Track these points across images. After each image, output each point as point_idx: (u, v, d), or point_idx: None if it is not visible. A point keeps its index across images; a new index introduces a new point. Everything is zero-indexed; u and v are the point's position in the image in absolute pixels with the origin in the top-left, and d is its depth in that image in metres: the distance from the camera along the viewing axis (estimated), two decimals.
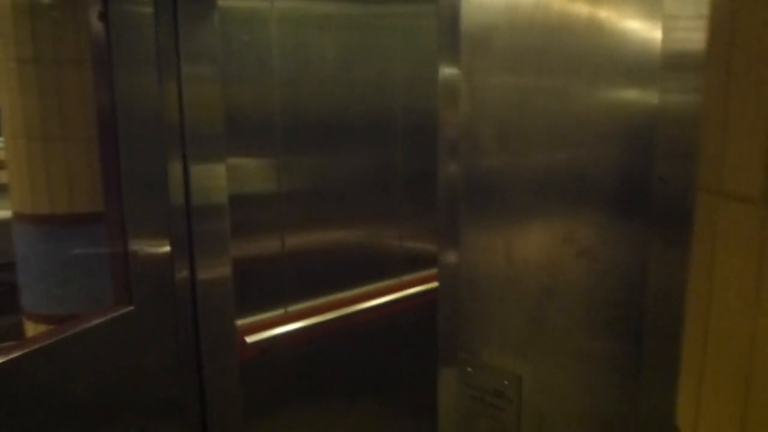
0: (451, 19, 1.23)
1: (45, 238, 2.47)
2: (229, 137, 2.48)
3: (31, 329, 2.60)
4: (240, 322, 2.58)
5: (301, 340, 2.89)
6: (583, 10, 1.04)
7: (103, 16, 1.94)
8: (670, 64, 0.97)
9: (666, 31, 0.97)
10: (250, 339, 2.63)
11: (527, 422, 1.23)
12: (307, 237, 3.02)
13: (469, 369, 1.32)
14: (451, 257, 1.32)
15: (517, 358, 1.23)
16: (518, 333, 1.22)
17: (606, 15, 1.02)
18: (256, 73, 2.67)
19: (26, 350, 1.57)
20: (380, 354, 3.31)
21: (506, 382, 1.24)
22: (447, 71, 1.27)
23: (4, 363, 1.46)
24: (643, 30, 0.99)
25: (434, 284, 3.42)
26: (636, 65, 1.01)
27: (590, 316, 1.11)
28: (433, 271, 3.52)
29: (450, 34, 1.25)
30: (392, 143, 3.23)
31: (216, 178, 2.39)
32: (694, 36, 0.93)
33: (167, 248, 2.19)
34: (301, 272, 2.99)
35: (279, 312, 2.86)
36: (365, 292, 3.24)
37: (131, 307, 1.92)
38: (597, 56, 1.05)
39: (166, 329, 2.17)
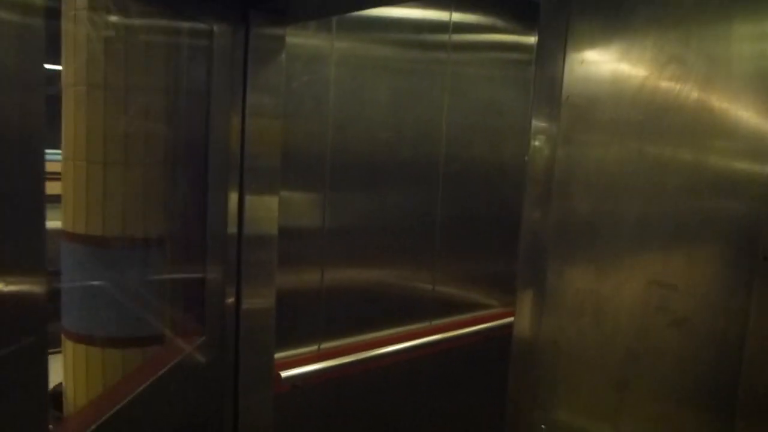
0: (550, 83, 1.28)
1: (93, 259, 2.50)
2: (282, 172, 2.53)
3: (68, 347, 2.61)
4: (276, 356, 2.60)
5: (331, 377, 2.89)
6: (692, 92, 1.09)
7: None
8: None
9: None
10: (284, 374, 2.65)
11: None
12: (344, 274, 3.05)
13: (543, 426, 1.33)
14: (529, 311, 1.35)
15: (598, 423, 1.24)
16: (602, 396, 1.24)
17: (717, 97, 1.07)
18: (312, 111, 2.73)
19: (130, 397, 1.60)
20: (406, 396, 3.31)
21: None
22: (540, 134, 1.31)
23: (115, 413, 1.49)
24: (757, 115, 1.03)
25: (463, 330, 3.43)
26: (745, 143, 1.05)
27: (680, 383, 1.13)
28: (463, 317, 3.54)
29: (547, 98, 1.30)
30: (433, 188, 3.28)
31: (269, 209, 2.44)
32: None
33: (225, 277, 2.22)
34: (337, 310, 3.01)
35: (312, 348, 2.88)
36: (395, 333, 3.26)
37: (203, 338, 1.94)
38: (704, 134, 1.10)
39: (226, 359, 2.19)
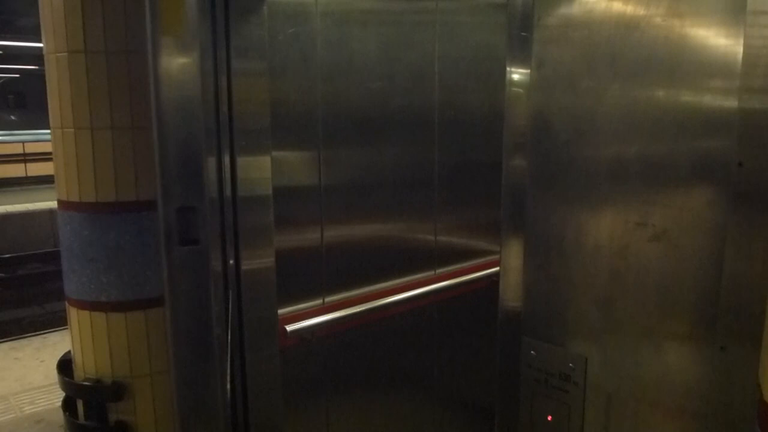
0: (523, 10, 1.25)
1: (89, 225, 2.51)
2: (272, 130, 2.50)
3: (73, 315, 2.64)
4: (280, 311, 2.61)
5: (338, 330, 2.91)
6: (659, 7, 1.06)
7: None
8: (752, 60, 0.98)
9: (749, 29, 0.98)
10: (290, 328, 2.66)
11: (592, 404, 1.25)
12: (345, 230, 3.04)
13: (533, 352, 1.33)
14: (515, 244, 1.33)
15: (584, 341, 1.24)
16: (586, 315, 1.23)
17: (685, 12, 1.03)
18: (299, 66, 2.69)
19: None
20: (415, 344, 3.32)
21: (572, 365, 1.26)
22: (517, 61, 1.28)
23: None
24: (724, 29, 1.00)
25: (468, 277, 3.43)
26: (716, 61, 1.02)
27: (662, 299, 1.12)
28: (467, 264, 3.54)
29: (521, 26, 1.27)
30: (429, 137, 3.24)
31: (261, 170, 2.42)
32: None
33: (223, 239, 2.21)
34: (339, 264, 3.01)
35: (317, 302, 2.89)
36: (400, 284, 3.26)
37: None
38: (674, 52, 1.07)
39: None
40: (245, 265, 2.39)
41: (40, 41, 2.62)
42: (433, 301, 3.23)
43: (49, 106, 2.54)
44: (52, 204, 2.93)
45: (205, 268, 1.26)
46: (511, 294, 1.38)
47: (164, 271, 1.23)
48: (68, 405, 2.75)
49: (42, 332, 5.75)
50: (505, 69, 1.33)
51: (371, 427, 3.04)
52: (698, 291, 1.08)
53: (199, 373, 2.16)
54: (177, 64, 2.24)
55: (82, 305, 2.58)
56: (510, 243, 1.38)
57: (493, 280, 3.33)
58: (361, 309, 2.87)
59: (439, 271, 3.36)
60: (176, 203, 1.24)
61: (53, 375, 2.89)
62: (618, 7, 1.13)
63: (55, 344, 5.05)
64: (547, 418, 1.33)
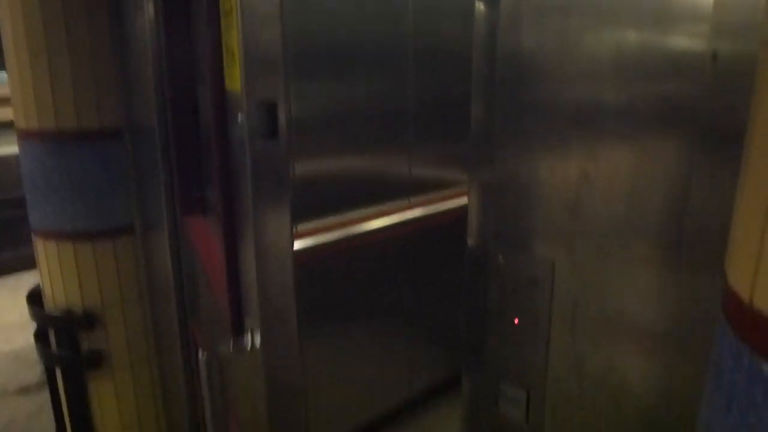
0: None
1: (52, 155, 2.43)
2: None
3: (40, 245, 2.59)
4: None
5: (311, 257, 2.89)
6: None
7: None
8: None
9: None
10: None
11: (559, 309, 1.25)
12: (317, 161, 2.99)
13: (501, 258, 1.32)
14: (485, 156, 1.31)
15: (551, 246, 1.23)
16: (554, 220, 1.22)
17: None
18: None
19: None
20: (387, 273, 3.33)
21: (539, 269, 1.25)
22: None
23: None
24: None
25: (441, 205, 3.42)
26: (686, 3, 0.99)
27: (630, 203, 1.11)
28: (441, 193, 3.52)
29: None
30: (404, 69, 3.17)
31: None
32: None
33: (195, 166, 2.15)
34: (311, 193, 2.97)
35: None
36: (374, 212, 3.23)
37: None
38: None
39: None
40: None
41: None
42: (407, 231, 3.22)
43: (2, 30, 2.42)
44: None
45: (285, 162, 1.19)
46: (480, 203, 1.37)
47: (248, 165, 1.16)
48: (40, 336, 2.74)
49: (17, 273, 5.69)
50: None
51: (342, 359, 3.07)
52: (666, 199, 1.07)
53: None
54: None
55: (47, 235, 2.53)
56: (480, 155, 1.35)
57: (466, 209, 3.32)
58: (333, 237, 2.85)
59: (413, 200, 3.34)
60: (258, 98, 1.15)
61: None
62: None
63: (31, 284, 5.01)
64: (514, 323, 1.33)
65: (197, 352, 2.37)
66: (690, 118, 1.02)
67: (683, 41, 1.03)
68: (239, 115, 1.21)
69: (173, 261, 2.48)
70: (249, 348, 1.35)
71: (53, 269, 2.57)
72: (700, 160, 1.02)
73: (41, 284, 2.72)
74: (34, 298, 2.74)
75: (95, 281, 2.58)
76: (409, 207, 3.32)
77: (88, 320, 2.61)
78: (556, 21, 1.17)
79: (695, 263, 1.05)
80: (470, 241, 1.39)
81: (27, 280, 5.14)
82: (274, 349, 1.32)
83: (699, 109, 1.01)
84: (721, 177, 1.00)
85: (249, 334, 1.34)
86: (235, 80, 1.19)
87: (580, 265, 1.20)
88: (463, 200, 3.43)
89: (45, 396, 3.14)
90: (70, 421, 2.86)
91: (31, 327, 2.83)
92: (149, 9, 2.21)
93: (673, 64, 1.03)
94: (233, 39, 1.23)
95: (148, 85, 2.30)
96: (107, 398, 2.79)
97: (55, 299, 2.62)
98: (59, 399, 2.88)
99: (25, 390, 4.20)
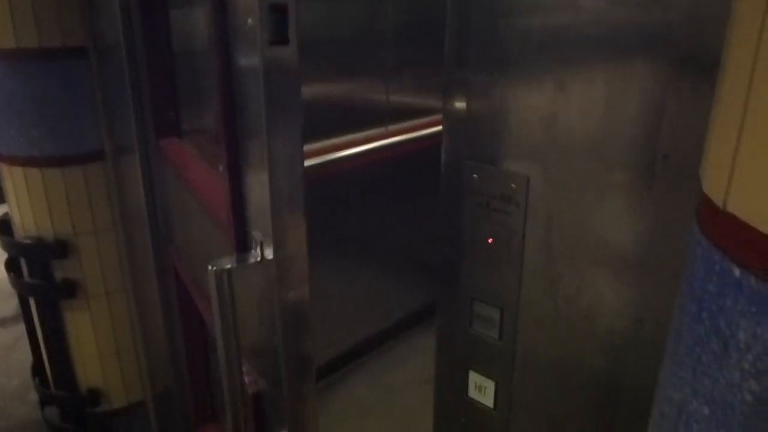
0: None
1: (12, 74, 2.33)
2: None
3: (5, 172, 2.52)
4: None
5: None
6: None
7: None
8: None
9: None
10: None
11: (533, 225, 1.23)
12: None
13: (475, 176, 1.30)
14: (458, 76, 1.27)
15: (526, 161, 1.21)
16: (529, 135, 1.19)
17: None
18: None
19: None
20: (365, 199, 3.31)
21: (513, 185, 1.23)
22: None
23: None
24: None
25: (419, 133, 3.38)
26: None
27: (604, 114, 1.08)
28: (418, 121, 3.47)
29: None
30: None
31: None
32: None
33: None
34: None
35: None
36: (352, 139, 3.19)
37: None
38: None
39: None
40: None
41: None
42: (385, 158, 3.19)
43: None
44: None
45: (296, 68, 1.13)
46: (454, 124, 1.33)
47: (261, 74, 1.10)
48: (12, 265, 2.70)
49: None
50: None
51: (317, 289, 3.08)
52: (641, 114, 1.04)
53: None
54: None
55: (13, 161, 2.46)
56: (454, 78, 1.31)
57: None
58: (308, 164, 2.80)
59: (391, 128, 3.29)
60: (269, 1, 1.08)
61: None
62: None
63: None
64: (488, 243, 1.32)
65: (176, 278, 2.36)
66: (667, 29, 0.99)
67: None
68: (249, 20, 1.14)
69: (146, 187, 2.43)
70: (259, 260, 1.32)
71: (21, 197, 2.51)
72: (675, 74, 0.99)
73: (9, 212, 2.66)
74: (4, 227, 2.69)
75: (66, 208, 2.53)
76: (387, 135, 3.28)
77: (61, 248, 2.57)
78: None
79: (668, 178, 1.04)
80: (445, 162, 1.36)
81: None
82: (286, 260, 1.31)
83: (676, 34, 0.97)
84: (695, 96, 0.97)
85: (258, 247, 1.32)
86: None
87: (555, 180, 1.17)
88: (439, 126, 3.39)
89: (21, 329, 3.13)
90: (47, 351, 2.86)
91: (3, 258, 2.80)
92: None
93: None
94: None
95: (113, 1, 2.19)
96: (83, 328, 2.78)
97: (25, 227, 2.57)
98: (35, 329, 2.87)
99: (1, 323, 4.19)
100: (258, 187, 1.31)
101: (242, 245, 1.43)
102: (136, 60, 2.26)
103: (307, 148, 3.04)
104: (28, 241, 2.54)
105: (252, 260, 1.34)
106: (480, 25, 1.23)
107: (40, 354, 2.92)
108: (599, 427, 1.27)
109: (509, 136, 1.22)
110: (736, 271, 0.68)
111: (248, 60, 1.25)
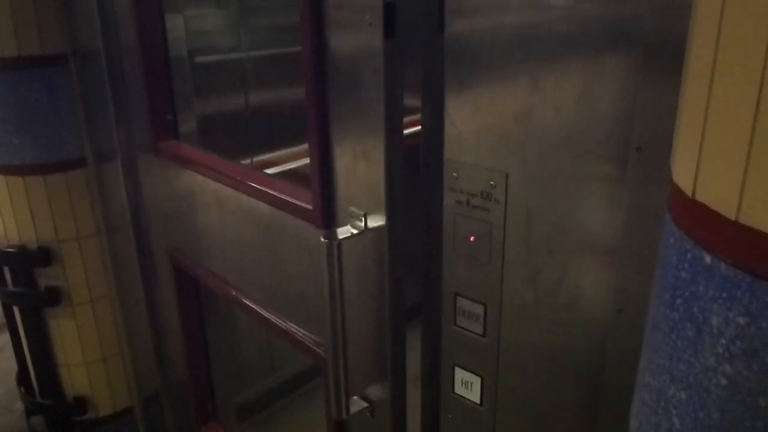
0: None
1: None
2: None
3: None
4: None
5: None
6: None
7: None
8: None
9: None
10: None
11: (514, 220, 1.25)
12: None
13: (455, 174, 1.31)
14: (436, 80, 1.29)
15: (504, 157, 1.22)
16: (506, 130, 1.21)
17: None
18: None
19: None
20: None
21: (493, 182, 1.25)
22: None
23: None
24: None
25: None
26: None
27: (578, 110, 1.10)
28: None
29: None
30: None
31: None
32: None
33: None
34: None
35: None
36: None
37: None
38: None
39: None
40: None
41: None
42: None
43: None
44: None
45: (401, 58, 1.25)
46: (432, 124, 1.35)
47: (381, 69, 1.25)
48: None
49: None
50: None
51: None
52: (613, 106, 1.07)
53: None
54: None
55: None
56: (431, 78, 1.32)
57: None
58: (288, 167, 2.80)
59: None
60: None
61: None
62: None
63: None
64: (470, 240, 1.33)
65: (175, 277, 2.37)
66: (635, 25, 1.01)
67: None
68: (366, 17, 1.27)
69: (130, 192, 2.43)
70: (362, 230, 1.47)
71: (4, 205, 2.50)
72: (644, 67, 1.01)
73: None
74: None
75: (49, 216, 2.52)
76: None
77: (44, 256, 2.56)
78: None
79: (642, 169, 1.06)
80: (425, 163, 1.38)
81: None
82: (395, 228, 1.46)
83: (644, 16, 1.00)
84: (667, 80, 0.99)
85: (361, 219, 1.46)
86: None
87: (533, 175, 1.19)
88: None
89: (5, 338, 3.11)
90: (32, 359, 2.84)
91: None
92: None
93: None
94: None
95: (92, 8, 2.19)
96: (69, 335, 2.77)
97: (8, 235, 2.55)
98: (19, 338, 2.85)
99: None
100: (361, 166, 1.44)
101: (330, 221, 1.56)
102: (116, 67, 2.26)
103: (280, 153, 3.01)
104: (11, 250, 2.53)
105: (356, 231, 1.47)
106: (453, 25, 1.25)
107: (25, 362, 2.90)
108: (583, 418, 1.29)
109: (487, 134, 1.23)
110: (707, 258, 0.70)
111: (363, 50, 1.34)
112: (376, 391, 1.67)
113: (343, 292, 1.48)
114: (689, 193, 0.72)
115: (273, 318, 1.96)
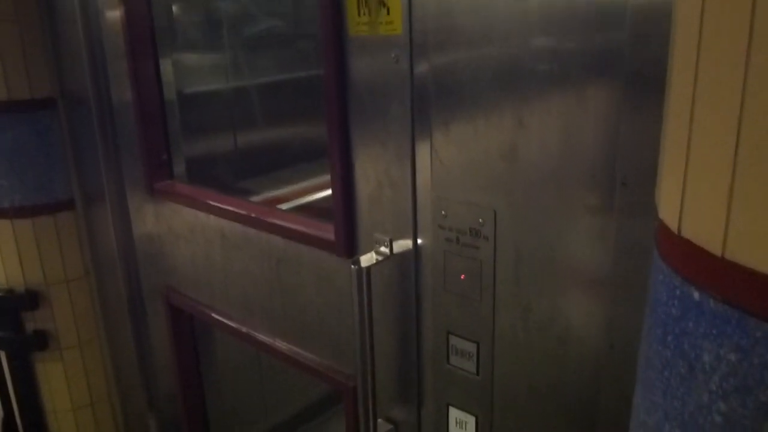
0: None
1: None
2: None
3: None
4: None
5: None
6: None
7: None
8: None
9: None
10: None
11: (503, 257, 1.25)
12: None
13: (443, 212, 1.32)
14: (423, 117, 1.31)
15: (492, 195, 1.23)
16: (493, 169, 1.21)
17: None
18: None
19: None
20: None
21: (481, 220, 1.25)
22: None
23: None
24: None
25: None
26: None
27: (563, 147, 1.11)
28: None
29: None
30: None
31: None
32: None
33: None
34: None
35: None
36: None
37: None
38: None
39: None
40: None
41: None
42: None
43: None
44: None
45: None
46: (422, 164, 1.36)
47: (407, 101, 1.37)
48: None
49: None
50: None
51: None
52: (597, 141, 1.08)
53: None
54: None
55: None
56: (419, 117, 1.34)
57: None
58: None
59: None
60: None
61: None
62: None
63: None
64: (460, 278, 1.33)
65: (177, 315, 2.35)
66: (616, 62, 1.02)
67: None
68: (392, 54, 1.36)
69: (119, 234, 2.42)
70: (387, 255, 1.52)
71: None
72: (627, 103, 1.03)
73: None
74: None
75: (37, 259, 2.49)
76: None
77: (32, 300, 2.53)
78: None
79: (628, 204, 1.07)
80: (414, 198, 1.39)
81: None
82: (421, 252, 1.48)
83: (624, 53, 1.01)
84: (649, 116, 1.00)
85: (385, 244, 1.51)
86: (391, 25, 1.33)
87: (521, 212, 1.20)
88: None
89: None
90: (18, 405, 2.79)
91: None
92: None
93: (596, 12, 1.03)
94: None
95: (80, 52, 2.21)
96: (56, 379, 2.72)
97: None
98: (5, 382, 2.79)
99: None
100: (387, 192, 1.49)
101: (353, 249, 1.60)
102: (104, 109, 2.28)
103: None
104: None
105: (380, 257, 1.51)
106: (439, 66, 1.27)
107: (11, 408, 2.84)
108: None
109: (474, 171, 1.24)
110: (696, 295, 0.70)
111: (389, 83, 1.41)
112: (401, 413, 1.68)
113: (372, 317, 1.51)
114: (675, 230, 0.72)
115: (285, 348, 1.96)
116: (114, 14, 2.14)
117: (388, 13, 1.33)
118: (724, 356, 0.68)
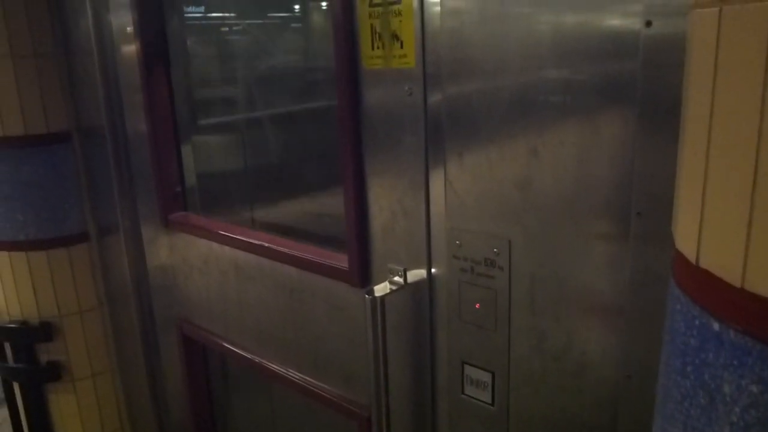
0: None
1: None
2: None
3: None
4: None
5: None
6: None
7: None
8: None
9: None
10: None
11: (518, 287, 1.25)
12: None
13: (458, 242, 1.32)
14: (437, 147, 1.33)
15: (506, 224, 1.23)
16: (507, 198, 1.22)
17: None
18: None
19: None
20: None
21: (496, 249, 1.25)
22: None
23: None
24: None
25: None
26: None
27: (577, 176, 1.12)
28: None
29: None
30: None
31: None
32: None
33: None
34: None
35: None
36: None
37: None
38: None
39: None
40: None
41: None
42: None
43: None
44: None
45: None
46: (436, 193, 1.37)
47: (422, 134, 1.38)
48: None
49: None
50: None
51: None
52: (612, 170, 1.08)
53: None
54: None
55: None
56: (432, 146, 1.36)
57: None
58: None
59: None
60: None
61: None
62: None
63: None
64: (475, 307, 1.33)
65: (190, 346, 2.35)
66: (629, 92, 1.03)
67: (618, 19, 1.05)
68: (405, 87, 1.38)
69: (132, 266, 2.44)
70: (401, 285, 1.52)
71: (6, 280, 2.49)
72: (641, 132, 1.03)
73: None
74: None
75: (51, 291, 2.51)
76: None
77: (46, 331, 2.54)
78: (494, 7, 1.18)
79: (644, 234, 1.07)
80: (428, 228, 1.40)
81: None
82: (435, 282, 1.49)
83: (637, 83, 1.02)
84: (663, 146, 1.01)
85: (399, 274, 1.52)
86: (405, 59, 1.36)
87: (535, 241, 1.20)
88: None
89: (4, 413, 3.05)
90: None
91: None
92: (89, 7, 2.18)
93: (610, 42, 1.05)
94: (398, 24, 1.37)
95: (96, 85, 2.25)
96: (69, 410, 2.72)
97: (10, 311, 2.54)
98: (18, 414, 2.79)
99: None
100: (400, 222, 1.50)
101: (367, 279, 1.61)
102: (119, 143, 2.31)
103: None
104: (12, 325, 2.51)
105: (395, 287, 1.52)
106: (452, 98, 1.28)
107: None
108: None
109: (488, 201, 1.25)
110: (715, 326, 0.70)
111: (403, 115, 1.43)
112: None
113: (386, 347, 1.51)
114: (693, 260, 0.72)
115: (298, 379, 1.96)
116: (129, 48, 2.18)
117: (402, 47, 1.34)
118: (745, 388, 0.68)
